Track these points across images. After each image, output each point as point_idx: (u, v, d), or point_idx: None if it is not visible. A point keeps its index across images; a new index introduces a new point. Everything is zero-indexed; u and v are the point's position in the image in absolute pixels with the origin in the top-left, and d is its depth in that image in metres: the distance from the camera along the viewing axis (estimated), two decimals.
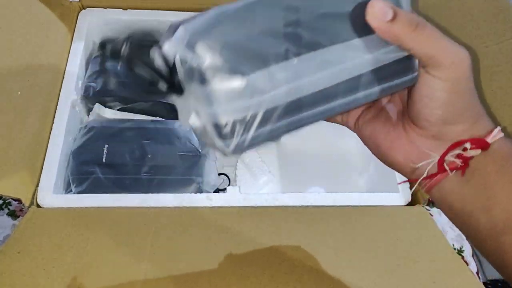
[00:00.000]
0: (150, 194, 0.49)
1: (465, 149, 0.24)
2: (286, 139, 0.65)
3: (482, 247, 0.24)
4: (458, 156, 0.24)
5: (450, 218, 0.26)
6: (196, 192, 0.52)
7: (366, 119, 0.28)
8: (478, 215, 0.23)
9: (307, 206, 0.51)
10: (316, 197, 0.51)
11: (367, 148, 0.29)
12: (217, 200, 0.49)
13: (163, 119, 0.59)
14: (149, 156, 0.53)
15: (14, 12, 0.53)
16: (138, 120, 0.57)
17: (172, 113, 0.59)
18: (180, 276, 0.41)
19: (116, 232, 0.44)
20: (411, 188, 0.27)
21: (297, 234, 0.46)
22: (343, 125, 0.30)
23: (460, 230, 0.26)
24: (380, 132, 0.27)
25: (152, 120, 0.58)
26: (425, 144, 0.25)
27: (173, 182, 0.52)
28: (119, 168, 0.52)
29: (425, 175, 0.25)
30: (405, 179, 0.27)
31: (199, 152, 0.54)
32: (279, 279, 0.42)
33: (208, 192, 0.53)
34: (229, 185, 0.59)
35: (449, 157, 0.24)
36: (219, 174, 0.57)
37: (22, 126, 0.49)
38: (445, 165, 0.24)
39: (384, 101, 0.29)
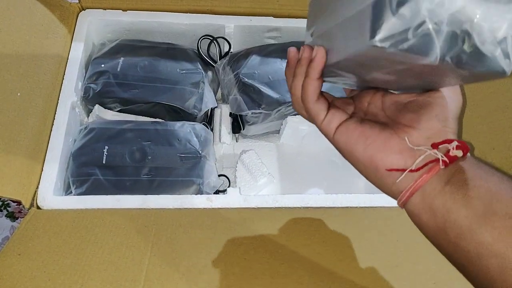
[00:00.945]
0: (150, 196, 0.49)
1: (449, 150, 0.25)
2: (285, 140, 0.66)
3: (459, 248, 0.24)
4: (445, 154, 0.25)
5: (426, 226, 0.26)
6: (196, 194, 0.52)
7: (351, 125, 0.29)
8: (458, 209, 0.24)
9: (307, 208, 0.51)
10: (315, 198, 0.51)
11: (347, 154, 0.29)
12: (218, 201, 0.49)
13: (163, 120, 0.59)
14: (149, 157, 0.53)
15: (14, 13, 0.53)
16: (138, 122, 0.57)
17: (172, 115, 0.59)
18: (180, 278, 0.41)
19: (117, 234, 0.44)
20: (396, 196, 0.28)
21: (297, 235, 0.46)
22: (321, 128, 0.31)
23: (434, 237, 0.26)
24: (370, 134, 0.28)
25: (152, 122, 0.58)
26: (419, 142, 0.27)
27: (173, 183, 0.52)
28: (119, 170, 0.52)
29: (413, 167, 0.26)
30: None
31: (199, 154, 0.54)
32: (280, 280, 0.42)
33: (208, 193, 0.53)
34: (229, 186, 0.59)
35: (437, 154, 0.26)
36: (219, 176, 0.57)
37: (22, 128, 0.49)
38: (437, 152, 0.25)
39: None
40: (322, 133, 0.31)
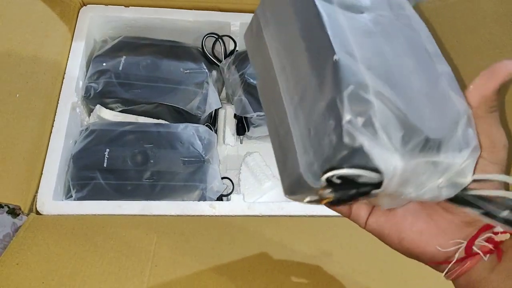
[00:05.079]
0: (151, 202, 0.48)
1: (495, 233, 0.22)
2: None
3: None
4: (488, 240, 0.23)
5: None
6: (199, 199, 0.50)
7: (381, 217, 0.26)
8: None
9: (313, 216, 0.49)
10: (322, 206, 0.50)
11: (383, 242, 0.26)
12: (221, 208, 0.48)
13: (166, 121, 0.58)
14: (151, 161, 0.52)
15: (13, 10, 0.51)
16: (140, 123, 0.56)
17: (175, 116, 0.57)
18: None
19: (117, 242, 0.42)
20: (442, 271, 0.25)
21: (302, 243, 0.45)
22: (351, 219, 0.27)
23: None
24: (403, 228, 0.25)
25: (154, 124, 0.56)
26: (456, 231, 0.24)
27: (176, 188, 0.51)
28: (120, 174, 0.51)
29: (454, 259, 0.23)
30: None
31: (203, 158, 0.53)
32: None
33: (211, 198, 0.52)
34: (233, 189, 0.58)
35: (480, 241, 0.23)
36: (222, 178, 0.56)
37: (21, 130, 0.48)
38: (475, 248, 0.23)
39: None
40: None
